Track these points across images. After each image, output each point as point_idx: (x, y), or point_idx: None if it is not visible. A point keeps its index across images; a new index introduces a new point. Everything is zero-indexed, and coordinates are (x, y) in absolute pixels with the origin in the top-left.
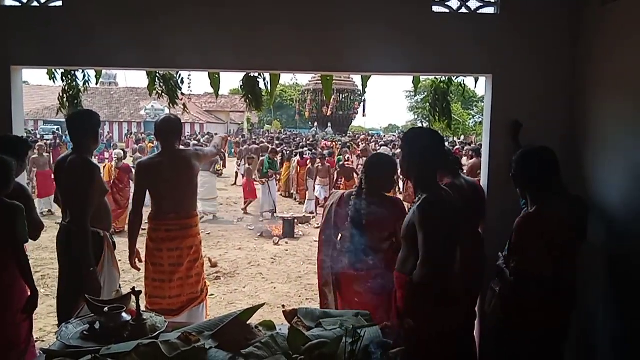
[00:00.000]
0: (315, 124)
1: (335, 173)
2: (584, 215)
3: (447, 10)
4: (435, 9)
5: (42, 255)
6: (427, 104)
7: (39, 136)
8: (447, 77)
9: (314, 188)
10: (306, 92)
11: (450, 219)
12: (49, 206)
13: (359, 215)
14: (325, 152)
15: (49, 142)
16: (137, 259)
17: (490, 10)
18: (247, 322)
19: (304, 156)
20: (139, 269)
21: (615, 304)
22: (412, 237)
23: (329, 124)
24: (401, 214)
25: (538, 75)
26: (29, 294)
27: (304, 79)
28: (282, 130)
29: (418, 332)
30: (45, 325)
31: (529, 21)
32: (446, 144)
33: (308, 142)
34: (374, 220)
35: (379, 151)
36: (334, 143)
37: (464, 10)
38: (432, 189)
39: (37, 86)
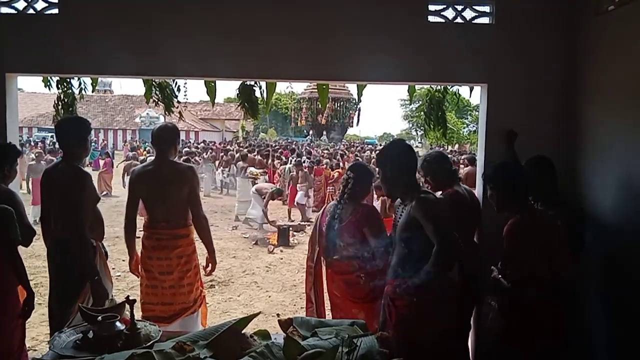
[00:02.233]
0: (311, 132)
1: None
2: (579, 224)
3: (442, 20)
4: (431, 18)
5: (35, 263)
6: (422, 113)
7: (32, 143)
8: (442, 86)
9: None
10: (301, 101)
11: (448, 211)
12: None
13: (333, 221)
14: (303, 158)
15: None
16: (137, 264)
17: (485, 20)
18: (242, 332)
19: (303, 164)
20: (138, 275)
21: (610, 306)
22: (411, 235)
23: (324, 132)
24: (371, 220)
25: (533, 84)
26: (24, 297)
27: (300, 87)
28: (277, 139)
29: (421, 336)
30: (37, 334)
31: (523, 31)
32: (446, 153)
33: (300, 151)
34: (345, 226)
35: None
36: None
37: (459, 20)
38: (420, 190)
39: (32, 93)
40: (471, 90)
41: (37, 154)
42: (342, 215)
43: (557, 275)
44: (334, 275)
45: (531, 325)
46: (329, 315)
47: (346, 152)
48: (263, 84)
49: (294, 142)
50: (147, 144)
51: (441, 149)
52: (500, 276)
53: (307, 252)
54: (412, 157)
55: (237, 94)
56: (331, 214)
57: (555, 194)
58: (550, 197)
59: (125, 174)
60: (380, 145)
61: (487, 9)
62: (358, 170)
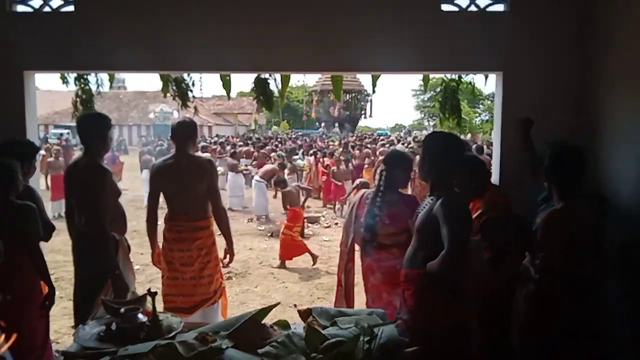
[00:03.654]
0: (323, 124)
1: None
2: (607, 216)
3: (456, 9)
4: (445, 7)
5: (56, 258)
6: (437, 102)
7: (48, 141)
8: (456, 75)
9: None
10: (313, 93)
11: (469, 217)
12: (62, 209)
13: (373, 209)
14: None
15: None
16: (159, 257)
17: (499, 7)
18: (262, 322)
19: (317, 156)
20: (160, 267)
21: (631, 299)
22: (428, 231)
23: (336, 125)
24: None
25: (548, 71)
26: (46, 292)
27: (312, 79)
28: (290, 131)
29: (433, 327)
30: (60, 327)
31: (538, 18)
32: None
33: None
34: (387, 216)
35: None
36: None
37: (473, 8)
38: (450, 189)
39: (47, 91)
40: (486, 79)
41: (55, 151)
42: (383, 205)
43: (585, 270)
44: (372, 263)
45: (552, 317)
46: (357, 300)
47: (357, 143)
48: (278, 76)
49: (306, 135)
50: (161, 140)
51: None
52: (529, 265)
53: (342, 237)
54: (456, 156)
55: (252, 87)
56: (371, 202)
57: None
58: (578, 188)
59: (145, 169)
60: (393, 136)
61: None
62: (392, 159)
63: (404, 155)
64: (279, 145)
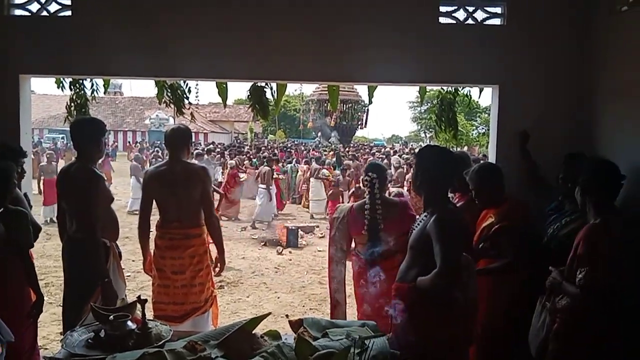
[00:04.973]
0: (319, 134)
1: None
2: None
3: (453, 22)
4: (442, 20)
5: (46, 263)
6: (433, 115)
7: (44, 145)
8: (453, 88)
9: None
10: (310, 102)
11: (463, 233)
12: (54, 214)
13: (375, 220)
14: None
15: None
16: (150, 265)
17: (497, 21)
18: (253, 332)
19: (310, 164)
20: (152, 275)
21: None
22: (422, 248)
23: (333, 134)
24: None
25: (545, 85)
26: (34, 300)
27: (309, 89)
28: (286, 140)
29: (425, 341)
30: (48, 333)
31: (535, 31)
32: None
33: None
34: (391, 224)
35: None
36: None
37: (470, 21)
38: (444, 205)
39: (43, 95)
40: (480, 92)
41: (48, 155)
42: (383, 213)
43: (627, 285)
44: (373, 272)
45: (590, 332)
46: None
47: (347, 153)
48: (274, 85)
49: (303, 144)
50: (157, 146)
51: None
52: (560, 279)
53: (329, 252)
54: (449, 170)
55: (248, 96)
56: (369, 212)
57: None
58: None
59: (132, 176)
60: (388, 147)
61: (498, 9)
62: (378, 169)
63: (380, 165)
64: (257, 152)
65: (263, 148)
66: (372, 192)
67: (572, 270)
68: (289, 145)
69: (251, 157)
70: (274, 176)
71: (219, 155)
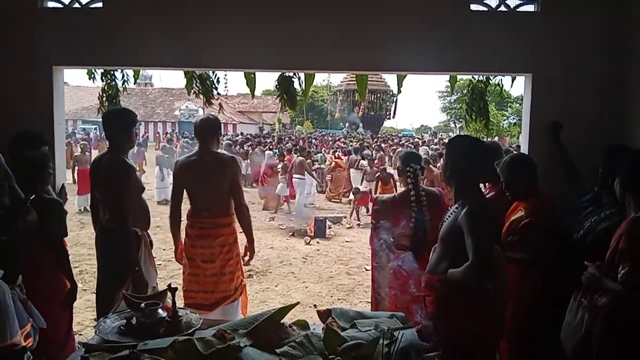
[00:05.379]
0: (347, 124)
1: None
2: None
3: (485, 9)
4: (474, 7)
5: (80, 251)
6: (464, 104)
7: (78, 135)
8: (484, 77)
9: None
10: (338, 93)
11: (494, 226)
12: (87, 203)
13: (421, 213)
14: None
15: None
16: (182, 253)
17: (530, 7)
18: (281, 321)
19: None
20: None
21: None
22: (453, 241)
23: (361, 125)
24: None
25: (579, 73)
26: (68, 288)
27: (337, 79)
28: (314, 131)
29: (456, 334)
30: (83, 320)
31: (569, 18)
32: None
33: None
34: (434, 214)
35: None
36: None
37: (502, 8)
38: (475, 197)
39: (76, 87)
40: (513, 81)
41: (82, 145)
42: (427, 204)
43: None
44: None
45: (637, 333)
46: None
47: (369, 143)
48: (302, 75)
49: (331, 134)
50: (186, 137)
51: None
52: (598, 274)
53: (372, 244)
54: (480, 161)
55: (276, 85)
56: (415, 204)
57: None
58: None
59: (157, 165)
60: (417, 137)
61: None
62: (418, 159)
63: (420, 155)
64: (278, 143)
65: (287, 138)
66: (416, 182)
67: (612, 265)
68: (313, 135)
69: (272, 147)
70: (312, 167)
71: (239, 147)
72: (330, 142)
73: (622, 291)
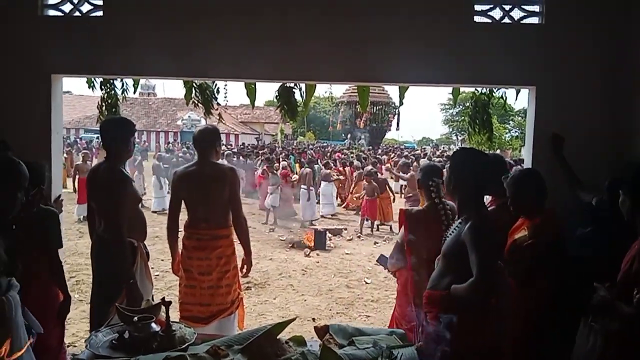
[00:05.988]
0: (349, 135)
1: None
2: None
3: (489, 21)
4: (477, 19)
5: (78, 261)
6: (467, 117)
7: (78, 144)
8: (487, 89)
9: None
10: (340, 104)
11: (499, 240)
12: (86, 212)
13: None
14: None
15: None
16: (179, 265)
17: (534, 20)
18: (277, 337)
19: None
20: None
21: None
22: (456, 256)
23: (362, 136)
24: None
25: (584, 86)
26: (62, 300)
27: (339, 90)
28: (315, 142)
29: (457, 351)
30: (77, 331)
31: (575, 31)
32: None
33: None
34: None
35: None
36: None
37: (507, 20)
38: (479, 212)
39: (79, 96)
40: (517, 94)
41: (83, 154)
42: (453, 217)
43: None
44: None
45: None
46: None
47: (369, 155)
48: (302, 86)
49: (331, 145)
50: (187, 147)
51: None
52: (609, 297)
53: (409, 260)
54: (484, 174)
55: (277, 96)
56: (445, 218)
57: None
58: None
59: (154, 175)
60: (419, 150)
61: (536, 8)
62: (439, 173)
63: (440, 167)
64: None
65: (281, 149)
66: (439, 196)
67: (625, 288)
68: (311, 146)
69: (268, 158)
70: (332, 178)
71: (237, 157)
72: (329, 154)
73: (637, 316)
